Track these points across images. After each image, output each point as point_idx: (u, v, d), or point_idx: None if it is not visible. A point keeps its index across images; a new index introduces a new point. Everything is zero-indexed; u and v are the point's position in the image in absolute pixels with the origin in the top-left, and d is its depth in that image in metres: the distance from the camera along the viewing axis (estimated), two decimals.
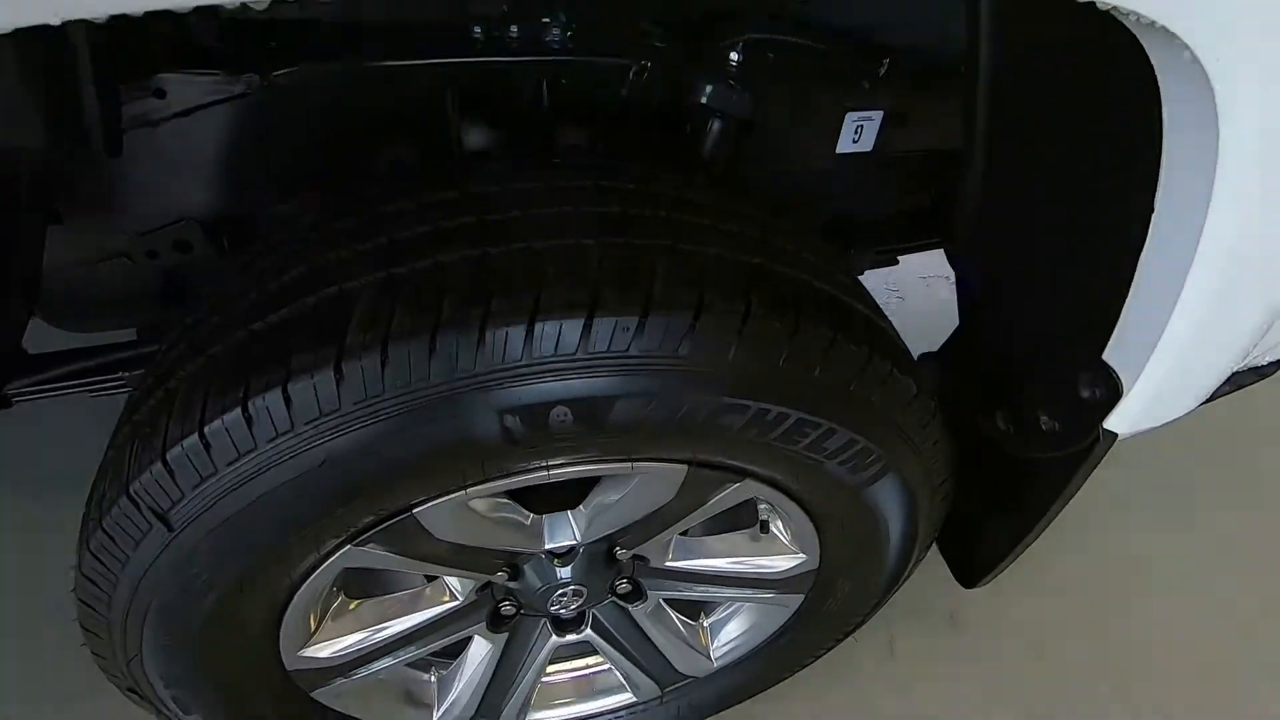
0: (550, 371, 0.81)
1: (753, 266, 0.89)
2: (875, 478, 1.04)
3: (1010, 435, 1.19)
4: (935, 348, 1.32)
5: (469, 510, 1.00)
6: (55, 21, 0.49)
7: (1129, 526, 1.93)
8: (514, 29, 1.09)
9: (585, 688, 1.49)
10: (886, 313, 1.08)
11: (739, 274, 0.87)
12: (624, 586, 1.29)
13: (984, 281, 1.22)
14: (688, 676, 1.44)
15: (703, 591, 1.32)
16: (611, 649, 1.39)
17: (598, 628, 1.37)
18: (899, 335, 1.06)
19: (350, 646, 1.16)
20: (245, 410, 0.80)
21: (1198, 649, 1.72)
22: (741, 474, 1.02)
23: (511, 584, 1.21)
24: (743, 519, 1.28)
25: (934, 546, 1.34)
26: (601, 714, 1.49)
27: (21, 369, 1.23)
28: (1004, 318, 1.18)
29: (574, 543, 1.12)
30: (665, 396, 0.85)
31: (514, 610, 1.27)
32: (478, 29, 1.09)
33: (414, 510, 0.93)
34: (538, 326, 0.79)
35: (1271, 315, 0.93)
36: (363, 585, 1.24)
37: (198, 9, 0.52)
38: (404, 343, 0.78)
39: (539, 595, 1.22)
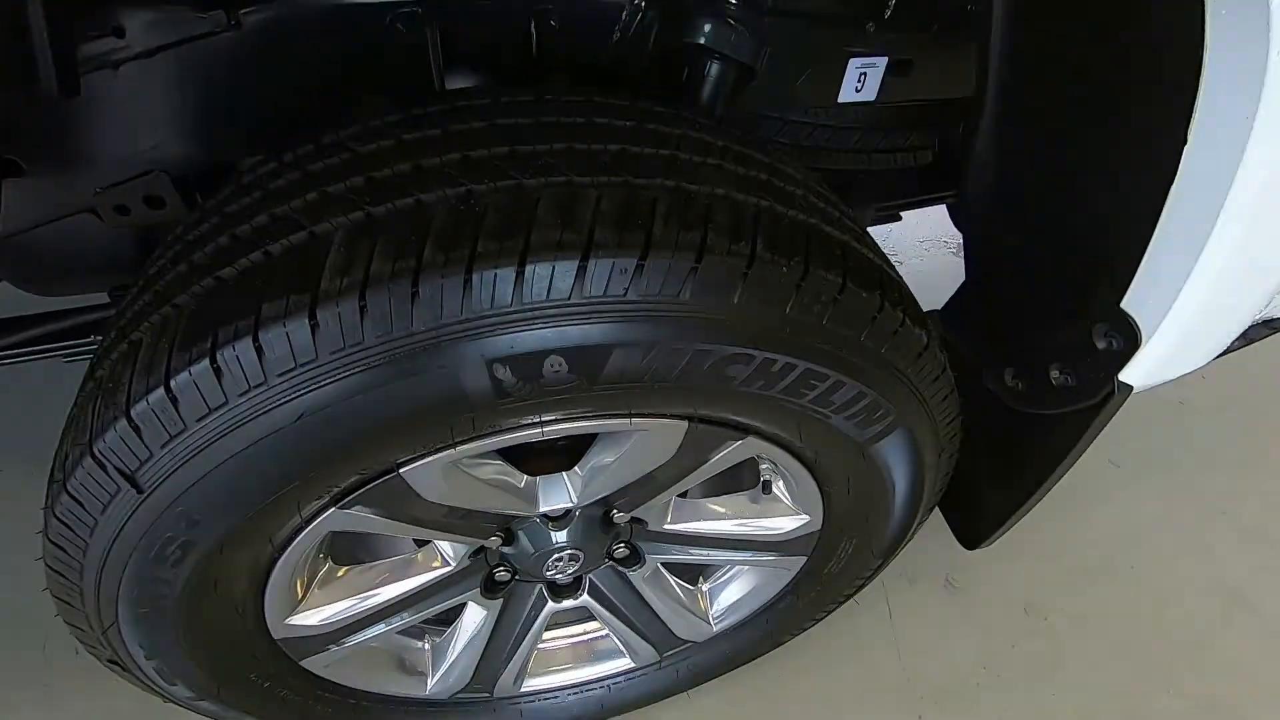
0: (543, 318, 0.73)
1: (759, 208, 0.81)
2: (883, 433, 0.97)
3: (1019, 391, 1.13)
4: (936, 308, 1.24)
5: (459, 470, 0.92)
6: None
7: (1122, 490, 1.87)
8: None
9: (582, 653, 1.43)
10: None
11: (744, 216, 0.79)
12: (621, 551, 1.22)
13: (993, 233, 1.14)
14: (686, 641, 1.38)
15: (702, 555, 1.25)
16: (609, 614, 1.32)
17: (594, 593, 1.30)
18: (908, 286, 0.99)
19: (340, 614, 1.09)
20: (214, 362, 0.72)
21: (1192, 610, 1.68)
22: (744, 431, 0.95)
23: (505, 549, 1.14)
24: (743, 480, 1.21)
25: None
26: (599, 680, 1.43)
27: None
28: (1015, 269, 1.11)
29: (570, 505, 1.05)
30: (666, 345, 0.77)
31: (508, 576, 1.20)
32: None
33: (400, 470, 0.86)
34: (528, 269, 0.71)
35: None
36: (351, 552, 1.18)
37: None
38: (384, 287, 0.70)
39: (534, 560, 1.15)
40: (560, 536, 1.14)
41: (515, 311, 0.73)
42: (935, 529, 1.33)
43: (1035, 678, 1.59)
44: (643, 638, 1.36)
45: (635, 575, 1.27)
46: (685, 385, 0.83)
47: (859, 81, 1.23)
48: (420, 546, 1.18)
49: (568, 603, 1.30)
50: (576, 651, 1.43)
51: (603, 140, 0.82)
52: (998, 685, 1.58)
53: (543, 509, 1.05)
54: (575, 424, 0.87)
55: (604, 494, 1.05)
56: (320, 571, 1.08)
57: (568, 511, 1.11)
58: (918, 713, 1.55)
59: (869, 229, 1.52)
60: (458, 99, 0.87)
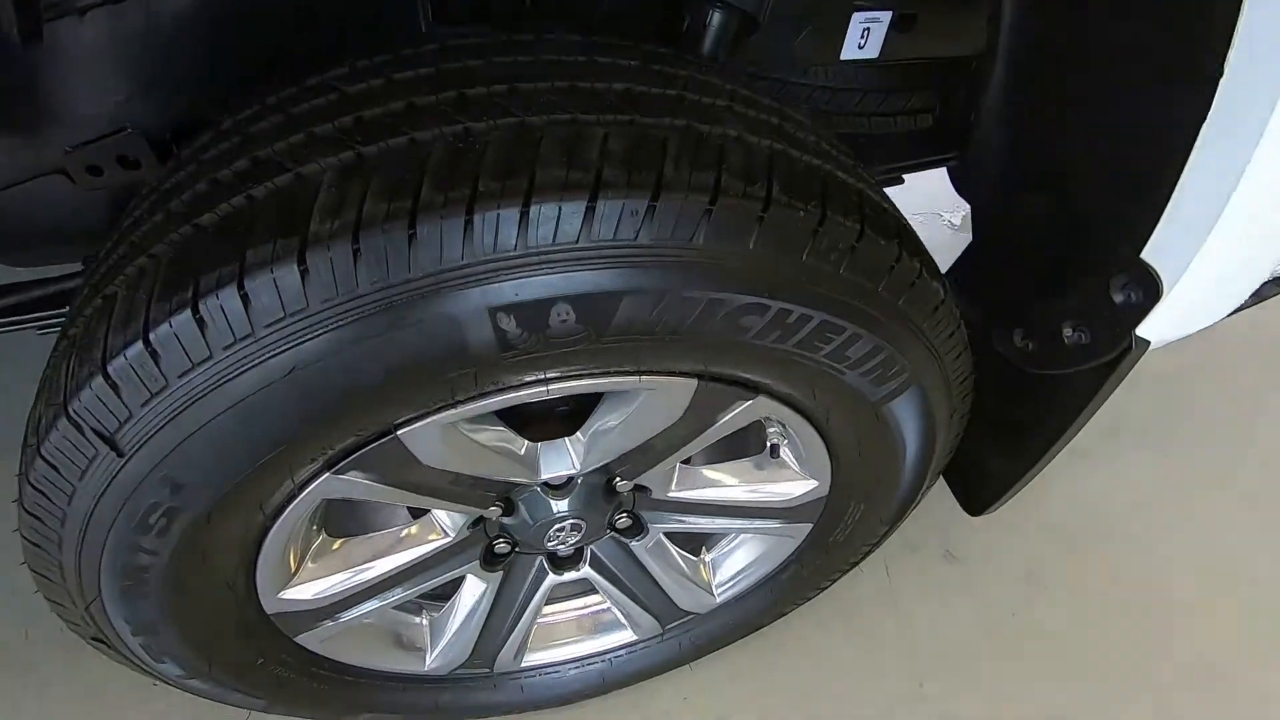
0: (549, 263, 0.67)
1: (773, 151, 0.75)
2: (897, 391, 0.92)
3: (1029, 352, 1.08)
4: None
5: (459, 433, 0.86)
6: None
7: (1119, 460, 1.84)
8: None
9: (583, 627, 1.38)
10: None
11: (758, 157, 0.74)
12: (623, 521, 1.17)
13: (1003, 192, 1.09)
14: (689, 613, 1.33)
15: (706, 523, 1.20)
16: (611, 586, 1.27)
17: (596, 565, 1.25)
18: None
19: (335, 587, 1.03)
20: (196, 312, 0.65)
21: (1189, 576, 1.65)
22: (754, 390, 0.89)
23: (505, 520, 1.08)
24: (749, 446, 1.16)
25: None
26: (600, 653, 1.38)
27: None
28: (1026, 228, 1.06)
29: (572, 472, 1.00)
30: (678, 294, 0.72)
31: (508, 548, 1.14)
32: None
33: (398, 432, 0.80)
34: (533, 209, 0.65)
35: None
36: (343, 526, 1.11)
37: None
38: (379, 229, 0.64)
39: (535, 531, 1.09)
40: (562, 506, 1.08)
41: (520, 256, 0.67)
42: (934, 498, 1.29)
43: (1034, 644, 1.56)
44: (645, 610, 1.31)
45: (638, 546, 1.21)
46: (697, 338, 0.77)
47: (862, 37, 1.17)
48: (415, 519, 1.12)
49: (569, 575, 1.25)
50: (577, 625, 1.38)
51: (607, 79, 0.75)
52: (997, 651, 1.55)
53: (544, 476, 0.99)
54: (581, 382, 0.81)
55: (608, 460, 0.99)
56: (314, 544, 1.02)
57: (570, 479, 1.06)
58: (919, 681, 1.51)
59: None
60: (450, 39, 0.81)
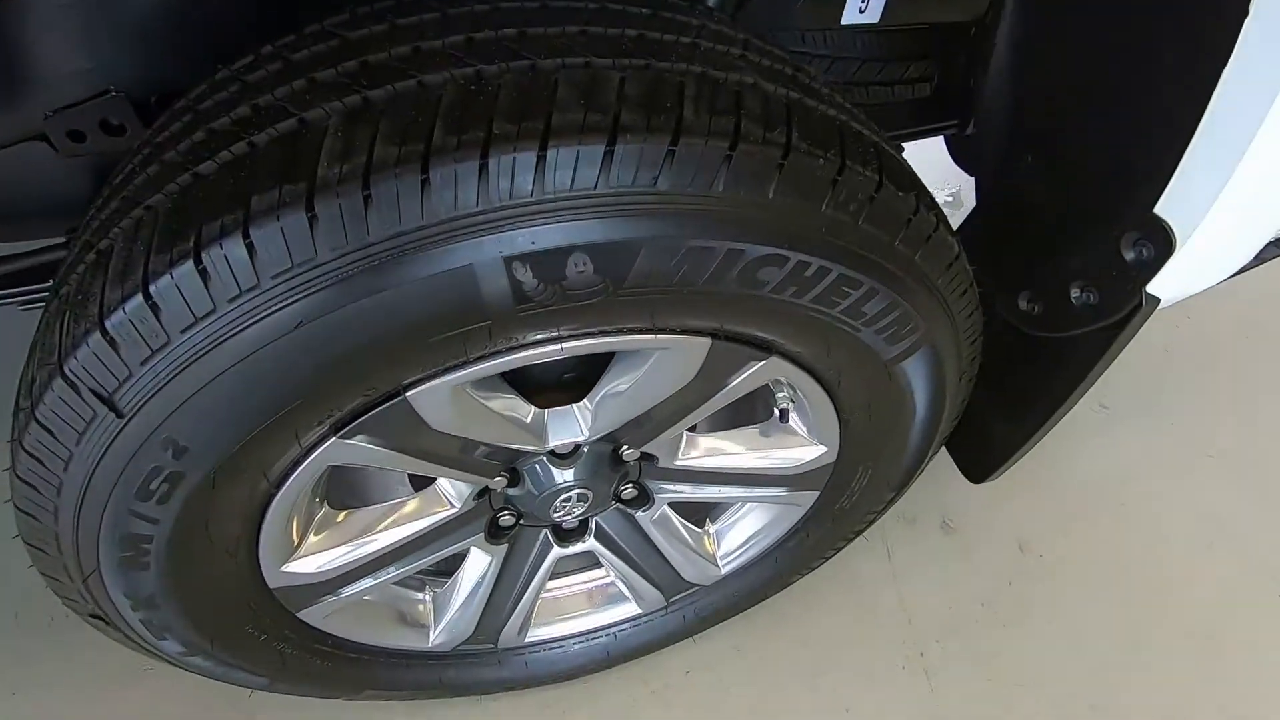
0: (566, 210, 0.64)
1: (790, 99, 0.73)
2: (910, 350, 0.90)
3: (1035, 316, 1.06)
4: None
5: (468, 396, 0.83)
6: None
7: (1110, 432, 1.84)
8: None
9: (587, 601, 1.35)
10: None
11: (776, 104, 0.71)
12: (629, 491, 1.14)
13: (1009, 156, 1.07)
14: (694, 585, 1.31)
15: (712, 492, 1.17)
16: (616, 559, 1.24)
17: (601, 537, 1.22)
18: None
19: (337, 560, 0.99)
20: (198, 262, 0.61)
21: (1179, 544, 1.65)
22: (767, 350, 0.87)
23: (511, 490, 1.05)
24: (756, 413, 1.13)
25: None
26: (604, 627, 1.35)
27: None
28: (1033, 190, 1.04)
29: (580, 439, 0.97)
30: (697, 243, 0.69)
31: (513, 520, 1.11)
32: None
33: (407, 393, 0.76)
34: (550, 153, 0.62)
35: None
36: (343, 500, 1.08)
37: None
38: (390, 173, 0.60)
39: (540, 502, 1.06)
40: (567, 476, 1.05)
41: (536, 203, 0.63)
42: (930, 472, 1.27)
43: (1031, 613, 1.55)
44: (649, 582, 1.28)
45: (643, 517, 1.19)
46: (714, 293, 0.74)
47: (863, 1, 1.15)
48: (418, 491, 1.09)
49: (574, 548, 1.22)
50: (581, 600, 1.36)
51: (619, 25, 0.72)
52: (995, 621, 1.54)
53: (552, 444, 0.97)
54: (595, 340, 0.78)
55: (617, 426, 0.96)
56: (317, 516, 0.99)
57: (576, 448, 1.03)
58: (919, 650, 1.50)
59: None
60: None
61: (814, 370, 0.91)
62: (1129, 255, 0.90)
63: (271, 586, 0.96)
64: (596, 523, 1.21)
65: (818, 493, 1.16)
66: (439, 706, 1.38)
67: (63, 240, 1.08)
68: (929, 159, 1.30)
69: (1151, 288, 0.92)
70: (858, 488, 1.15)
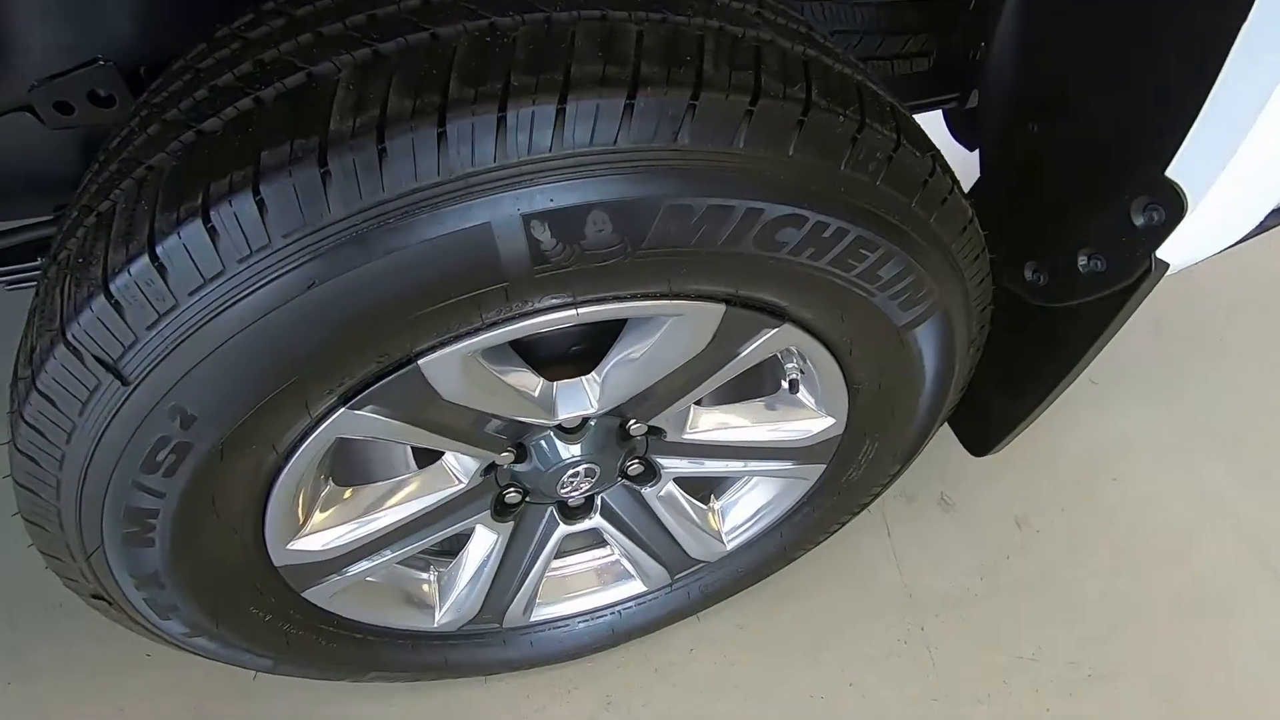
0: (586, 166, 0.62)
1: (808, 56, 0.71)
2: (923, 317, 0.88)
3: (1041, 285, 1.05)
4: None
5: (479, 365, 0.81)
6: None
7: (1102, 407, 1.84)
8: None
9: (592, 580, 1.34)
10: None
11: (795, 60, 0.69)
12: (635, 467, 1.12)
13: (1015, 126, 1.06)
14: (699, 561, 1.30)
15: (719, 467, 1.16)
16: (621, 536, 1.22)
17: (607, 514, 1.20)
18: None
19: (343, 538, 0.97)
20: (207, 221, 0.59)
21: (1172, 516, 1.65)
22: (780, 317, 0.85)
23: (518, 466, 1.03)
24: (764, 386, 1.12)
25: None
26: (609, 606, 1.33)
27: None
28: (1039, 159, 1.03)
29: (589, 412, 0.95)
30: (717, 202, 0.67)
31: (519, 497, 1.09)
32: None
33: (419, 360, 0.74)
34: (569, 106, 0.60)
35: None
36: (346, 478, 1.05)
37: None
38: (405, 126, 0.58)
39: (547, 478, 1.04)
40: (575, 450, 1.03)
41: (555, 159, 0.61)
42: (928, 450, 1.26)
43: (1028, 586, 1.55)
44: (655, 559, 1.26)
45: (649, 493, 1.17)
46: (732, 254, 0.72)
47: None
48: (423, 468, 1.07)
49: (579, 525, 1.20)
50: (586, 578, 1.34)
51: None
52: (994, 594, 1.54)
53: (561, 417, 0.94)
54: (610, 305, 0.76)
55: (626, 398, 0.94)
56: (323, 492, 0.96)
57: (584, 422, 1.01)
58: (920, 624, 1.50)
59: None
60: None
61: (826, 338, 0.90)
62: (1139, 220, 0.89)
63: (277, 565, 0.94)
64: (602, 499, 1.19)
65: (824, 466, 1.14)
66: (443, 687, 1.36)
67: (49, 218, 1.04)
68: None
69: (1160, 253, 0.91)
70: (864, 460, 1.14)
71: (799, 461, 1.13)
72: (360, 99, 0.59)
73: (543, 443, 1.02)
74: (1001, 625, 1.50)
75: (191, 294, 0.61)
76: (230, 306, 0.62)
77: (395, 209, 0.60)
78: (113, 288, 0.61)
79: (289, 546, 0.93)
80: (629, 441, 1.06)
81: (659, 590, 1.33)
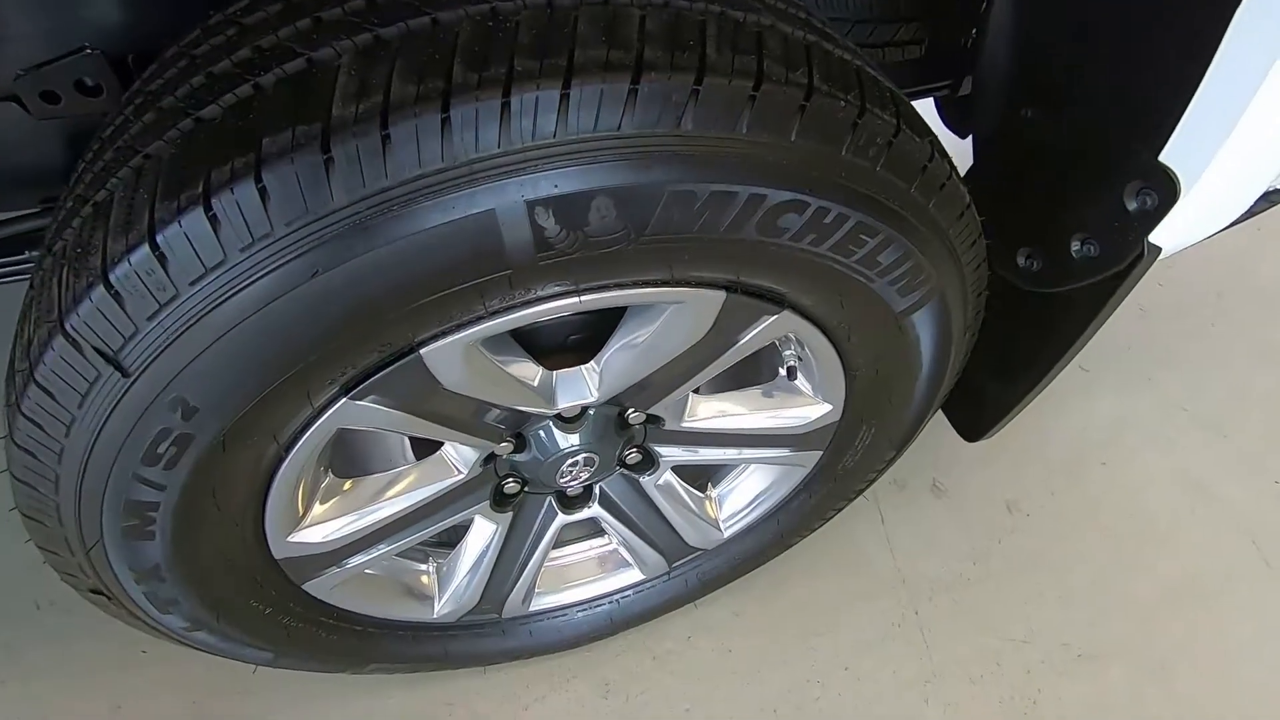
0: (590, 152, 0.62)
1: (809, 41, 0.71)
2: (920, 303, 0.89)
3: (1034, 272, 1.06)
4: None
5: (480, 354, 0.80)
6: None
7: (1089, 392, 1.86)
8: None
9: (590, 569, 1.34)
10: None
11: (796, 46, 0.69)
12: (633, 456, 1.12)
13: (1009, 114, 1.06)
14: (696, 549, 1.30)
15: (716, 455, 1.16)
16: (620, 525, 1.22)
17: (605, 503, 1.20)
18: None
19: (343, 530, 0.96)
20: (209, 209, 0.58)
21: (1159, 500, 1.67)
22: (780, 304, 0.85)
23: (517, 456, 1.03)
24: (760, 373, 1.12)
25: None
26: (607, 594, 1.33)
27: None
28: (1033, 146, 1.03)
29: (589, 400, 0.94)
30: (721, 187, 0.67)
31: (518, 487, 1.09)
32: None
33: (421, 350, 0.74)
34: (574, 91, 0.59)
35: None
36: (345, 470, 1.04)
37: None
38: (409, 112, 0.57)
39: (546, 468, 1.04)
40: (573, 440, 1.03)
41: (559, 144, 0.61)
42: (920, 438, 1.27)
43: (1020, 569, 1.57)
44: (653, 547, 1.27)
45: (647, 481, 1.17)
46: (734, 240, 0.72)
47: None
48: (420, 460, 1.06)
49: (578, 515, 1.20)
50: (584, 567, 1.34)
51: None
52: (986, 578, 1.55)
53: (561, 406, 0.94)
54: (612, 293, 0.75)
55: (625, 386, 0.94)
56: (322, 484, 0.96)
57: (583, 411, 1.00)
58: (914, 608, 1.51)
59: None
60: None
61: (824, 324, 0.90)
62: (1132, 205, 0.90)
63: (277, 557, 0.93)
64: (601, 488, 1.19)
65: (821, 452, 1.15)
66: (443, 677, 1.36)
67: (35, 211, 1.02)
68: None
69: (1153, 238, 0.92)
70: (860, 446, 1.15)
71: (796, 448, 1.14)
72: (363, 85, 0.58)
73: (542, 432, 1.02)
74: (993, 608, 1.51)
75: (193, 283, 0.60)
76: (232, 296, 0.61)
77: (399, 196, 0.59)
78: (112, 278, 0.60)
79: (289, 539, 0.92)
80: (628, 430, 1.06)
81: (657, 578, 1.33)
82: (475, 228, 0.62)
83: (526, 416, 0.97)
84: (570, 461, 1.05)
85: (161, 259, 0.59)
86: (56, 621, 1.39)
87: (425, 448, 1.06)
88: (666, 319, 0.84)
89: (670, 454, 1.14)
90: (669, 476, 1.19)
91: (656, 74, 0.61)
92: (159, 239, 0.59)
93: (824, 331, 0.91)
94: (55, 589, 0.97)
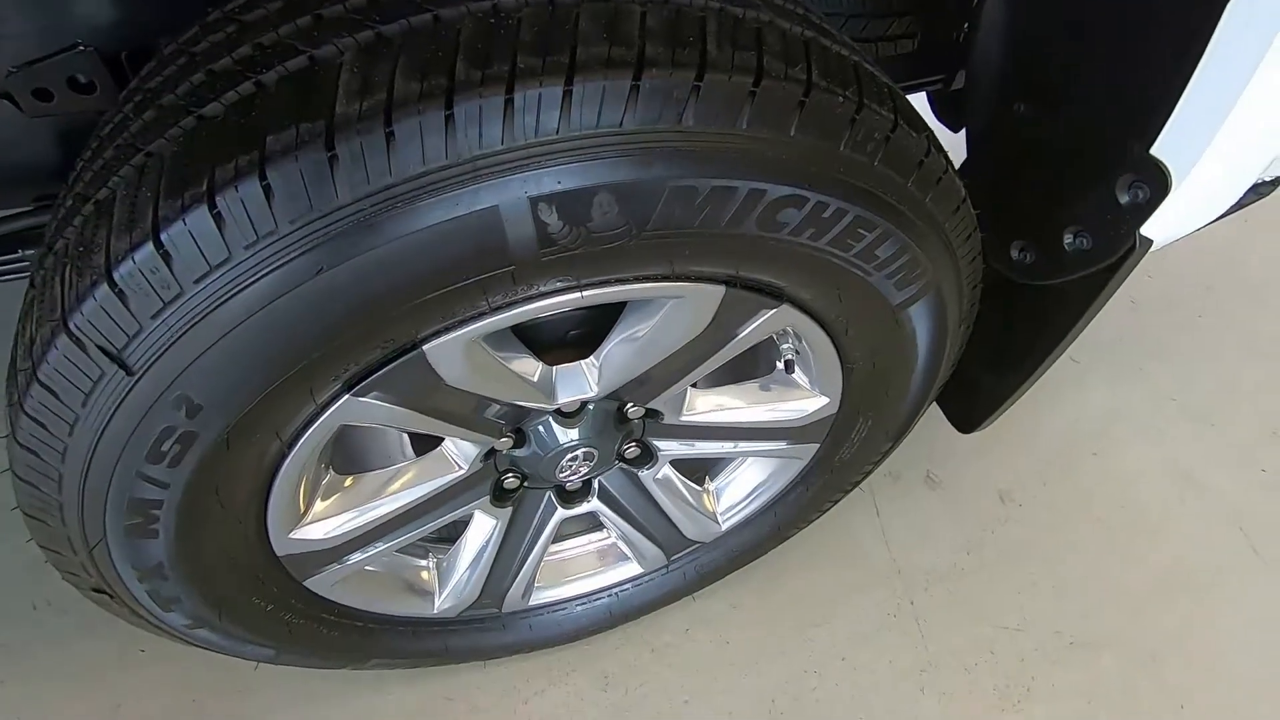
0: (592, 148, 0.62)
1: (807, 38, 0.71)
2: (917, 296, 0.90)
3: (1027, 264, 1.07)
4: None
5: (481, 350, 0.81)
6: None
7: (1081, 384, 1.88)
8: None
9: (589, 563, 1.34)
10: None
11: (795, 42, 0.69)
12: (632, 450, 1.13)
13: (1002, 108, 1.07)
14: (694, 542, 1.31)
15: (715, 448, 1.16)
16: (619, 519, 1.23)
17: (604, 497, 1.21)
18: None
19: (344, 526, 0.97)
20: (213, 206, 0.58)
21: (1149, 491, 1.69)
22: (778, 298, 0.86)
23: (517, 451, 1.03)
24: (758, 367, 1.13)
25: None
26: (606, 588, 1.34)
27: None
28: (1026, 140, 1.04)
29: (588, 395, 0.95)
30: (721, 182, 0.67)
31: (518, 482, 1.09)
32: None
33: (424, 346, 0.74)
34: (576, 88, 0.60)
35: None
36: (346, 468, 1.05)
37: None
38: (413, 109, 0.58)
39: (546, 463, 1.05)
40: (573, 435, 1.03)
41: (562, 141, 0.61)
42: (914, 431, 1.28)
43: (1013, 559, 1.58)
44: (652, 541, 1.27)
45: (646, 475, 1.18)
46: (734, 235, 0.73)
47: None
48: (419, 456, 1.06)
49: (577, 509, 1.20)
50: (583, 562, 1.34)
51: None
52: (980, 568, 1.57)
53: (561, 401, 0.95)
54: (614, 289, 0.76)
55: (625, 381, 0.95)
56: (324, 481, 0.96)
57: (582, 406, 1.01)
58: (909, 598, 1.52)
59: None
60: None
61: (822, 318, 0.91)
62: (1124, 198, 0.91)
63: (279, 554, 0.93)
64: (600, 483, 1.19)
65: (818, 445, 1.16)
66: (443, 672, 1.36)
67: (27, 210, 1.01)
68: None
69: (1144, 230, 0.93)
70: (857, 439, 1.16)
71: (793, 441, 1.15)
72: (365, 82, 0.58)
73: (541, 427, 1.02)
74: (987, 598, 1.53)
75: (197, 281, 0.60)
76: (237, 293, 0.61)
77: (403, 193, 0.60)
78: (116, 276, 0.60)
79: (291, 535, 0.92)
80: (626, 425, 1.07)
81: (655, 572, 1.34)
82: (479, 224, 0.62)
83: (526, 411, 0.97)
84: (570, 456, 1.05)
85: (166, 257, 0.59)
86: (56, 621, 1.38)
87: (425, 444, 1.06)
88: (666, 313, 0.84)
89: (668, 448, 1.14)
90: (667, 470, 1.20)
91: (658, 70, 0.61)
92: (163, 237, 0.59)
93: (822, 325, 0.92)
94: (55, 589, 0.97)
